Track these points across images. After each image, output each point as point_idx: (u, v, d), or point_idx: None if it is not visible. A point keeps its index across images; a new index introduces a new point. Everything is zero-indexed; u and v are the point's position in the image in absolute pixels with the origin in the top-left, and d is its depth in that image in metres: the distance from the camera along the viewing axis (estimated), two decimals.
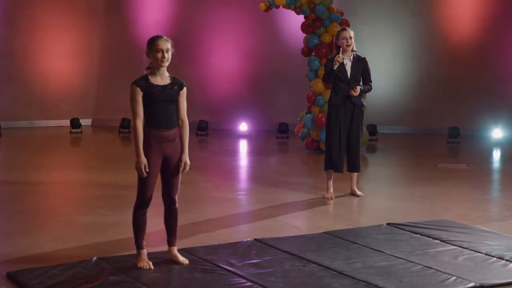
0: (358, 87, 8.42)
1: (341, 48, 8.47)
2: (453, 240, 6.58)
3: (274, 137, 14.63)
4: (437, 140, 14.54)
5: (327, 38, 12.31)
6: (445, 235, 6.76)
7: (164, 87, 5.61)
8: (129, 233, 6.09)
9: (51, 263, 5.72)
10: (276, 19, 15.68)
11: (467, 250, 6.29)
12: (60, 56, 16.23)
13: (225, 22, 16.06)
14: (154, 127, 5.57)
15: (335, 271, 5.63)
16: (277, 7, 12.00)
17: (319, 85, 12.25)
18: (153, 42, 5.58)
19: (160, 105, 5.57)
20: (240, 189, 9.17)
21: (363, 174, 10.38)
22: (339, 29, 8.71)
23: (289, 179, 9.92)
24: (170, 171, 5.70)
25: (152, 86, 5.56)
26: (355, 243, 6.48)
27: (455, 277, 5.47)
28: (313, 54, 12.48)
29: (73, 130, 15.27)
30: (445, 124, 14.90)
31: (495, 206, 8.46)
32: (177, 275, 5.48)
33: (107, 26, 16.58)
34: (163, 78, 5.64)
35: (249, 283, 5.30)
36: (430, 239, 6.67)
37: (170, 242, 5.83)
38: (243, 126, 14.79)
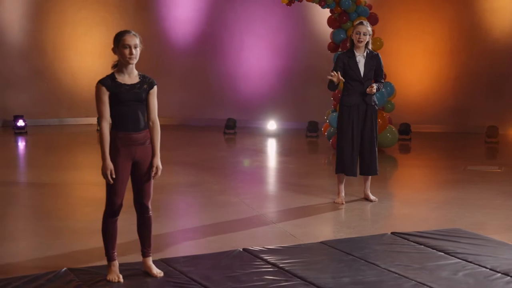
0: (374, 85, 7.95)
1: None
2: (458, 253, 6.05)
3: (303, 136, 14.15)
4: (475, 140, 13.85)
5: None
6: (451, 247, 6.24)
7: (132, 86, 5.21)
8: (124, 238, 5.82)
9: (23, 273, 5.41)
10: (308, 13, 15.17)
11: (471, 264, 5.77)
12: (89, 52, 15.99)
13: (255, 17, 15.61)
14: (122, 129, 5.17)
15: (318, 287, 5.18)
16: (300, 0, 11.52)
17: None
18: (119, 37, 5.20)
19: (128, 105, 5.17)
20: (248, 192, 8.73)
21: (384, 177, 9.87)
22: (356, 22, 8.21)
23: (304, 181, 9.46)
24: (140, 177, 5.30)
25: (119, 85, 5.16)
26: (351, 254, 6.01)
27: None
28: (339, 49, 11.96)
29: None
30: (484, 123, 14.20)
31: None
32: None
33: (136, 22, 16.28)
34: (131, 77, 5.24)
35: None
36: (435, 251, 6.16)
37: (144, 252, 5.44)
38: (272, 125, 14.33)
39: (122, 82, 5.18)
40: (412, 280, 5.35)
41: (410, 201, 8.33)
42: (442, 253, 6.08)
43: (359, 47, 7.98)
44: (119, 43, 5.18)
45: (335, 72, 7.73)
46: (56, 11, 15.79)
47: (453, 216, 7.57)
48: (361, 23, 7.98)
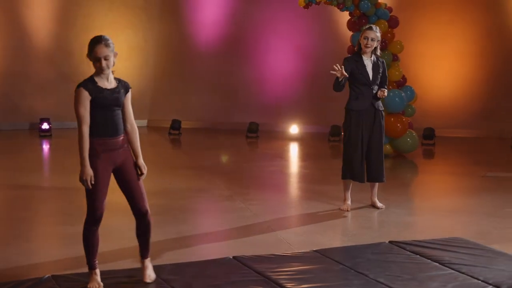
0: (385, 89, 7.83)
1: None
2: (453, 263, 5.89)
3: (325, 140, 14.00)
4: (501, 145, 13.57)
5: None
6: (448, 257, 6.07)
7: (112, 90, 5.14)
8: (107, 247, 5.76)
9: (3, 280, 5.40)
10: (334, 16, 15.04)
11: (464, 275, 5.60)
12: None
13: (281, 20, 15.54)
14: (101, 135, 5.09)
15: None
16: (317, 3, 11.41)
17: None
18: (91, 47, 5.10)
19: (110, 110, 5.11)
20: (255, 198, 8.64)
21: (398, 183, 9.72)
22: (365, 26, 8.05)
23: (315, 187, 9.34)
24: (129, 181, 5.23)
25: (101, 90, 5.09)
26: (341, 264, 5.88)
27: None
28: None
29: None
30: (511, 128, 13.91)
31: None
32: None
33: (162, 25, 16.35)
34: (109, 81, 5.17)
35: None
36: (429, 261, 6.00)
37: (144, 254, 5.38)
38: (294, 128, 14.23)
39: (103, 87, 5.12)
40: None
41: (417, 209, 8.18)
42: (437, 264, 5.92)
43: (366, 52, 7.84)
44: (91, 54, 5.11)
45: (338, 66, 7.55)
46: (83, 15, 15.92)
47: (458, 224, 7.40)
48: (370, 28, 7.83)
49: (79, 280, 5.36)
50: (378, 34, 7.79)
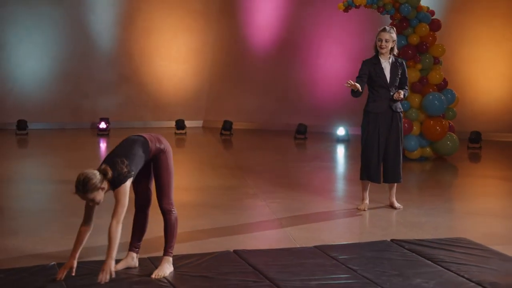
0: (402, 91, 7.96)
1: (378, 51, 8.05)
2: (445, 262, 6.02)
3: None
4: None
5: (414, 40, 11.69)
6: (443, 255, 6.21)
7: None
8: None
9: (15, 265, 5.80)
10: (385, 20, 15.09)
11: (451, 273, 5.75)
12: (173, 58, 16.57)
13: (333, 24, 15.68)
14: None
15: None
16: (357, 7, 11.57)
17: None
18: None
19: None
20: (278, 197, 8.86)
21: (425, 185, 9.82)
22: (380, 28, 8.22)
23: (342, 187, 9.55)
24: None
25: None
26: (335, 259, 6.08)
27: None
28: (399, 56, 11.87)
29: (177, 131, 15.52)
30: None
31: None
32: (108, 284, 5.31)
33: (220, 28, 16.72)
34: None
35: None
36: (423, 258, 6.15)
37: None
38: (341, 130, 14.37)
39: None
40: (379, 286, 5.40)
41: (437, 210, 8.23)
42: (429, 261, 6.06)
43: (383, 53, 8.00)
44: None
45: (350, 82, 7.76)
46: (144, 19, 16.43)
47: (471, 225, 7.48)
48: (384, 29, 8.01)
49: (83, 267, 5.67)
50: (393, 35, 7.94)
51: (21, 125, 15.09)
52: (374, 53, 8.12)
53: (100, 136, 14.89)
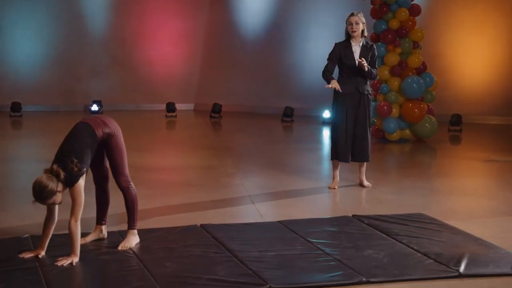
0: (366, 63, 8.16)
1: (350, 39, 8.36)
2: (398, 235, 6.34)
3: None
4: None
5: (394, 24, 12.00)
6: (397, 229, 6.53)
7: None
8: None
9: None
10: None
11: (401, 245, 6.07)
12: (165, 42, 16.90)
13: (321, 9, 15.99)
14: None
15: (237, 258, 5.64)
16: None
17: (384, 72, 12.00)
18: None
19: None
20: (255, 175, 9.23)
21: (398, 165, 10.14)
22: (349, 13, 8.53)
23: (319, 167, 9.89)
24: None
25: None
26: (296, 233, 6.39)
27: (344, 272, 5.34)
28: (380, 40, 12.20)
29: (168, 114, 15.88)
30: None
31: (496, 202, 7.92)
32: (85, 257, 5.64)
33: (212, 13, 17.04)
34: None
35: (137, 267, 5.43)
36: (379, 232, 6.47)
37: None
38: (327, 113, 14.68)
39: None
40: (330, 256, 5.71)
41: (403, 188, 8.56)
42: (384, 235, 6.37)
43: (354, 36, 8.31)
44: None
45: (328, 86, 8.19)
46: (136, 3, 16.77)
47: (431, 203, 7.79)
48: (352, 14, 8.32)
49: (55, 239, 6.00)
50: (362, 18, 8.25)
51: (15, 107, 15.47)
52: (346, 37, 8.41)
53: None
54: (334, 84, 8.18)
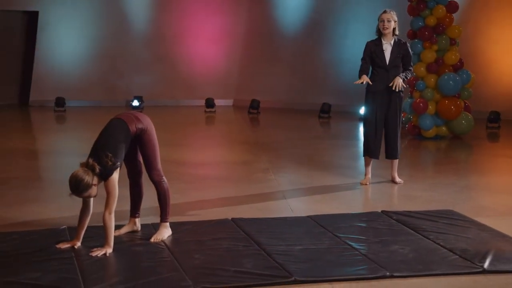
0: (399, 79, 8.25)
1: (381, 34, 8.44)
2: (426, 231, 6.44)
3: None
4: None
5: (431, 21, 12.02)
6: (425, 225, 6.63)
7: None
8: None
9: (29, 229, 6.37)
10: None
11: (428, 240, 6.18)
12: (206, 38, 17.10)
13: (361, 5, 16.03)
14: None
15: (265, 251, 5.79)
16: None
17: (421, 69, 12.03)
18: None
19: None
20: (288, 171, 9.38)
21: (432, 162, 10.19)
22: (381, 11, 8.62)
23: (352, 163, 9.98)
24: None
25: None
26: (324, 227, 6.53)
27: (369, 266, 5.46)
28: (417, 37, 12.22)
29: (207, 110, 16.10)
30: None
31: None
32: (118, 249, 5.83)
33: (251, 9, 17.18)
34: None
35: (167, 259, 5.62)
36: (407, 228, 6.57)
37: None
38: (363, 110, 14.72)
39: None
40: (357, 250, 5.85)
41: (435, 185, 8.62)
42: (411, 231, 6.47)
43: (386, 34, 8.39)
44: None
45: (359, 80, 8.26)
46: (178, 1, 16.99)
47: (462, 199, 7.84)
48: (385, 11, 8.40)
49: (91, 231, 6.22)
50: (394, 16, 8.33)
51: (60, 102, 15.86)
52: (377, 36, 8.49)
53: None
54: (363, 78, 8.24)
